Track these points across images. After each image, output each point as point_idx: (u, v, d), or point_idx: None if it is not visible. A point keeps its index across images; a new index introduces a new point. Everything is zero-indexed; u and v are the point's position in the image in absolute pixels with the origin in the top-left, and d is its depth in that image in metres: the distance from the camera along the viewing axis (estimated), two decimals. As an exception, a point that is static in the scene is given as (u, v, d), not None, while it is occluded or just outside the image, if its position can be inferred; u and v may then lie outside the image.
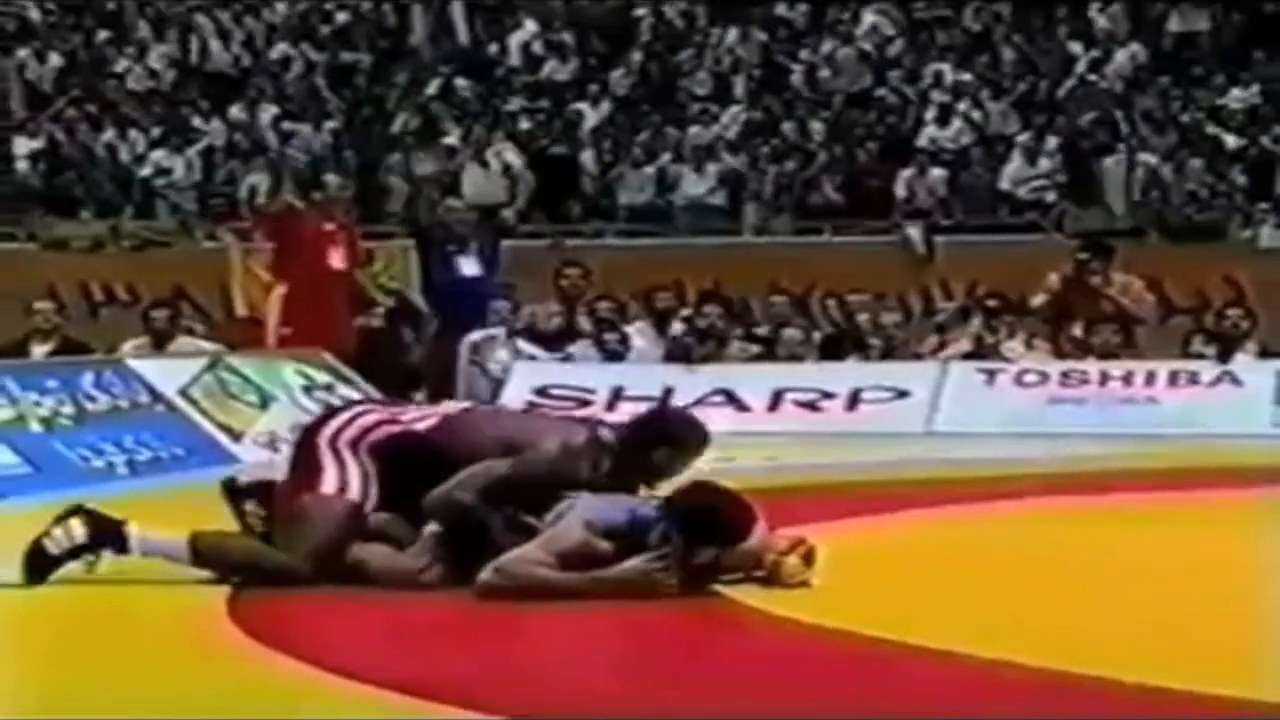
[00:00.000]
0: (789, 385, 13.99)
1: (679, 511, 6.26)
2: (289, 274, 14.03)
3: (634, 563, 6.19)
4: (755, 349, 14.95)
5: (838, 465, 11.33)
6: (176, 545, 6.52)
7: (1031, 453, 11.88)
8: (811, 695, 5.04)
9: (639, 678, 5.42)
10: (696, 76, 21.95)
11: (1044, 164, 19.63)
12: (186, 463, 11.23)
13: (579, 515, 6.30)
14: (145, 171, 21.04)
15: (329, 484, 6.49)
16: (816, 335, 15.38)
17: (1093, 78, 21.03)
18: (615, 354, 14.78)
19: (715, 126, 20.92)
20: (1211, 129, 19.90)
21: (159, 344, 14.12)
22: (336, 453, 6.53)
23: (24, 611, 6.26)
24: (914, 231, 18.67)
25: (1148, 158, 19.29)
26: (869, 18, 22.02)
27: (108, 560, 6.45)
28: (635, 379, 14.18)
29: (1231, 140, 19.69)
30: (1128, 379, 13.73)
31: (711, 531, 6.28)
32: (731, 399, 13.87)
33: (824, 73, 21.62)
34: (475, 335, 14.65)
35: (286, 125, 21.64)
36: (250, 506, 6.74)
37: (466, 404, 7.39)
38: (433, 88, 22.15)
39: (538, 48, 22.61)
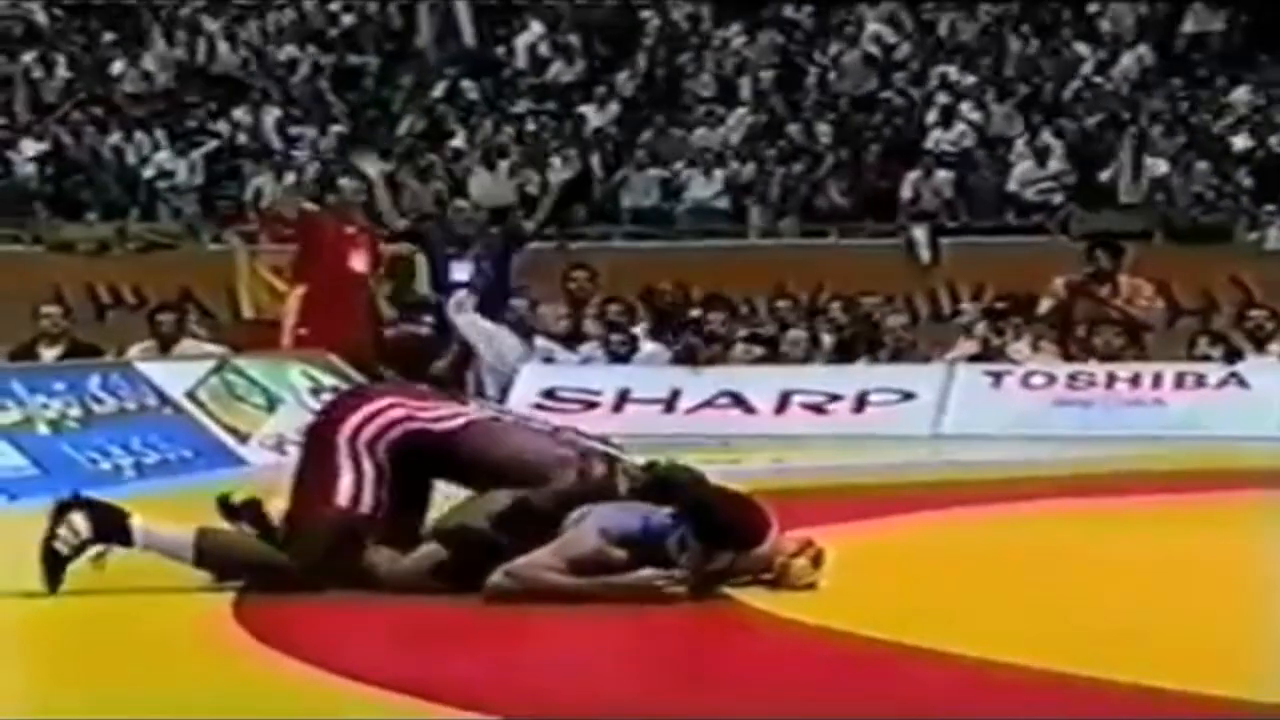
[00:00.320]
0: (796, 387, 13.99)
1: (695, 518, 6.25)
2: (309, 276, 14.15)
3: (646, 573, 6.19)
4: (759, 351, 14.94)
5: (844, 467, 11.32)
6: (181, 541, 6.50)
7: (1038, 455, 11.87)
8: (818, 697, 5.04)
9: (645, 680, 5.42)
10: (702, 79, 21.96)
11: (1053, 165, 19.64)
12: (194, 465, 11.24)
13: (594, 523, 6.30)
14: (148, 174, 21.05)
15: (343, 494, 6.44)
16: (826, 339, 15.36)
17: (1099, 80, 21.03)
18: (622, 356, 14.79)
19: (721, 129, 20.92)
20: (1218, 131, 19.91)
21: (166, 347, 14.13)
22: (355, 454, 6.48)
23: (31, 614, 6.27)
24: (919, 234, 18.67)
25: (1155, 160, 19.27)
26: (873, 26, 22.00)
27: (115, 554, 6.44)
28: (642, 381, 14.19)
29: (1238, 142, 19.69)
30: (1134, 381, 13.71)
31: (728, 537, 6.27)
32: (738, 401, 13.87)
33: (830, 75, 21.63)
34: (455, 299, 14.67)
35: (292, 129, 21.66)
36: (245, 528, 6.69)
37: (494, 411, 7.30)
38: (439, 90, 22.16)
39: (544, 50, 22.62)
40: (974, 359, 14.42)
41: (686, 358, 14.64)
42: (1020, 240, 18.62)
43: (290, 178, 20.27)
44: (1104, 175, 19.29)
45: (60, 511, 6.48)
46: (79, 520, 6.42)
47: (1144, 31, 21.61)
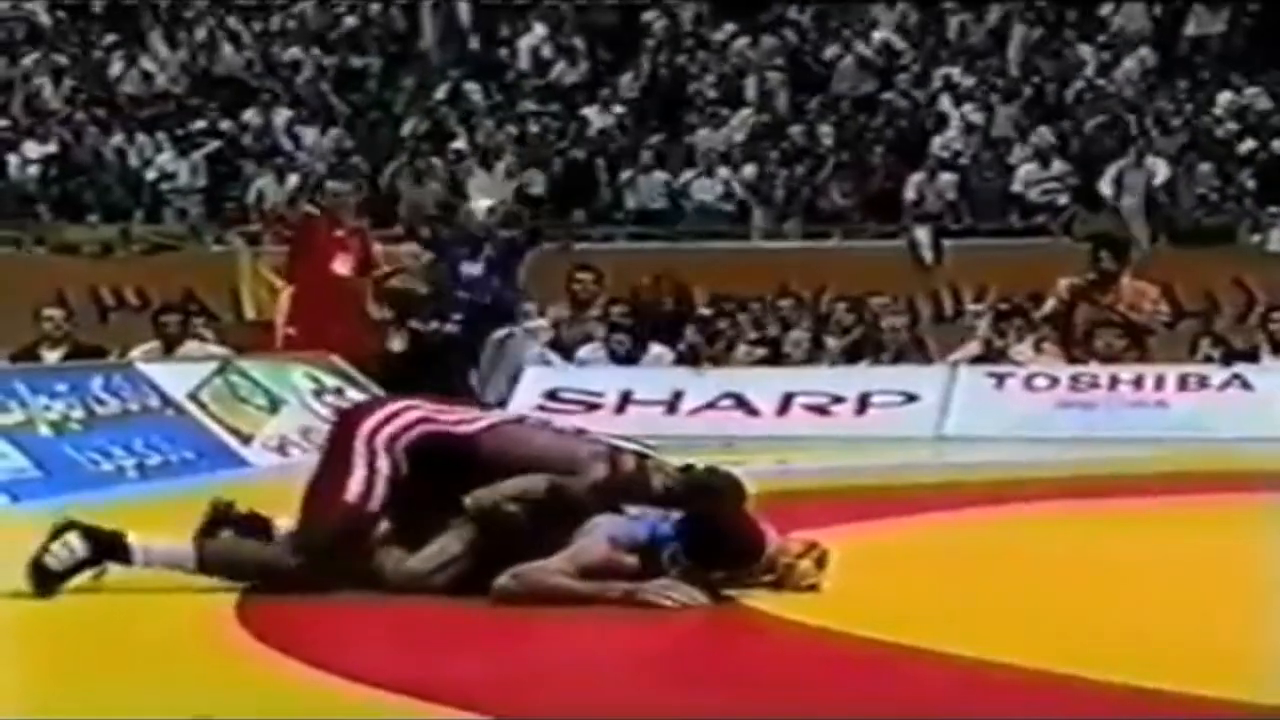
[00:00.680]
0: (798, 389, 13.99)
1: (690, 535, 6.25)
2: (297, 277, 14.42)
3: (655, 584, 6.18)
4: (761, 352, 14.94)
5: (847, 469, 11.32)
6: (182, 553, 6.49)
7: (1041, 457, 11.87)
8: (820, 697, 5.04)
9: (648, 681, 5.42)
10: (705, 80, 21.97)
11: (1056, 167, 19.64)
12: (196, 466, 11.24)
13: (604, 531, 6.30)
14: (151, 176, 21.06)
15: (353, 490, 6.42)
16: (830, 340, 15.36)
17: (1102, 82, 21.04)
18: (625, 358, 14.79)
19: (724, 130, 20.93)
20: (1220, 132, 19.91)
21: (170, 349, 14.14)
22: (370, 452, 6.46)
23: (31, 614, 6.27)
24: (922, 235, 18.67)
25: (1157, 161, 19.27)
26: (878, 34, 22.00)
27: (113, 571, 6.44)
28: (644, 383, 14.19)
29: (1241, 144, 19.69)
30: (1137, 383, 13.70)
31: (719, 557, 6.26)
32: (741, 402, 13.87)
33: (834, 76, 21.64)
34: (499, 332, 14.67)
35: (298, 130, 21.68)
36: (226, 534, 6.66)
37: (517, 414, 7.29)
38: (441, 92, 22.17)
39: (547, 51, 22.63)
40: (977, 361, 14.42)
41: (689, 359, 14.64)
42: (1023, 242, 18.61)
43: (293, 179, 20.28)
44: (1103, 187, 19.24)
45: (56, 533, 6.45)
46: (75, 540, 6.40)
47: (1147, 33, 21.63)
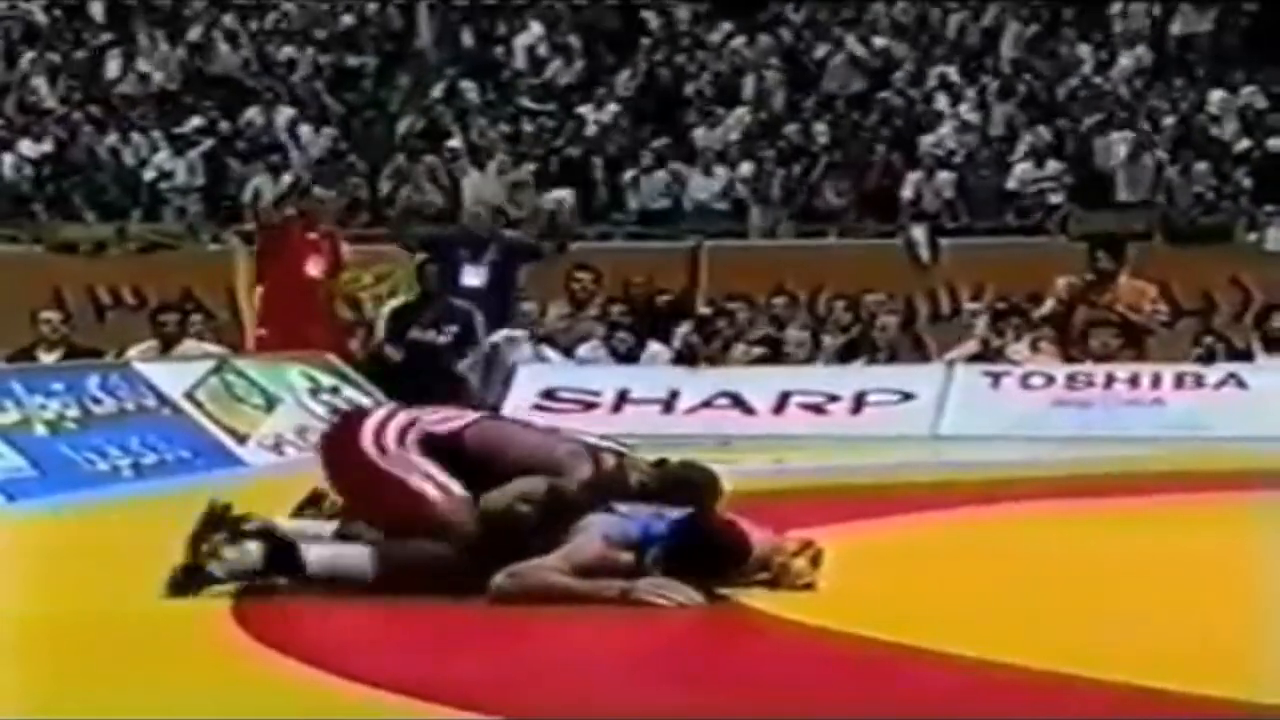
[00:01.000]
0: (795, 388, 13.99)
1: (679, 537, 6.24)
2: (267, 278, 14.67)
3: (649, 581, 6.18)
4: (759, 351, 14.93)
5: (843, 468, 11.33)
6: (355, 560, 6.35)
7: (1037, 456, 11.88)
8: (816, 697, 5.04)
9: (646, 681, 5.42)
10: (702, 78, 21.96)
11: (1051, 166, 19.64)
12: (192, 465, 11.25)
13: (599, 529, 6.30)
14: (149, 175, 21.04)
15: (431, 494, 6.36)
16: (826, 339, 15.36)
17: (1098, 80, 21.04)
18: (624, 356, 14.79)
19: (720, 129, 20.92)
20: (1216, 131, 19.91)
21: (167, 348, 14.14)
22: (401, 457, 6.41)
23: (29, 614, 6.27)
24: (919, 234, 18.67)
25: (1155, 157, 19.26)
26: (879, 39, 22.01)
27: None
28: (641, 382, 14.20)
29: (1238, 142, 19.69)
30: (1133, 381, 13.72)
31: (696, 568, 6.24)
32: (737, 401, 13.88)
33: (824, 75, 21.64)
34: (497, 335, 14.67)
35: (298, 129, 21.66)
36: (220, 537, 6.48)
37: (491, 412, 7.28)
38: (437, 90, 22.16)
39: (543, 50, 22.62)
40: (973, 360, 14.42)
41: (686, 358, 14.64)
42: (1020, 241, 18.61)
43: (288, 178, 20.27)
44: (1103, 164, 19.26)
45: (233, 533, 6.34)
46: (253, 548, 6.28)
47: (1143, 31, 21.63)
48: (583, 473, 6.47)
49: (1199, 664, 5.30)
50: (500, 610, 6.08)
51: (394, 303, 15.86)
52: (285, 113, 21.83)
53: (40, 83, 22.69)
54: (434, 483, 6.40)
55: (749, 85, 21.71)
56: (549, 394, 14.04)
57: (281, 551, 6.31)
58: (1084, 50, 21.48)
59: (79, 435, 10.85)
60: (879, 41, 21.97)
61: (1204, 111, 20.26)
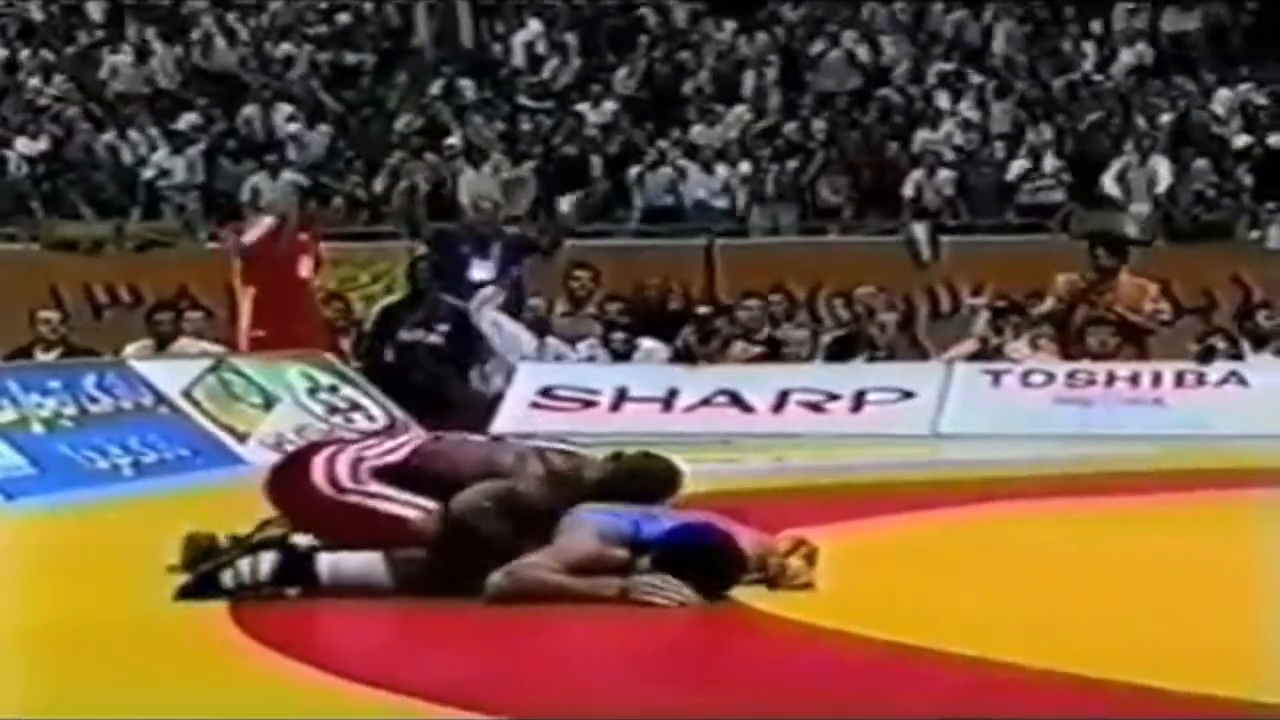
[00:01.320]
0: (794, 386, 13.99)
1: (669, 552, 6.24)
2: (255, 279, 14.56)
3: (648, 581, 6.19)
4: (757, 349, 14.91)
5: (842, 467, 11.34)
6: (373, 569, 6.35)
7: (1038, 454, 11.88)
8: (815, 697, 5.04)
9: (645, 681, 5.43)
10: (701, 76, 21.97)
11: (1050, 164, 19.65)
12: (192, 464, 11.26)
13: (590, 526, 6.30)
14: (148, 174, 21.04)
15: (411, 515, 6.38)
16: (825, 338, 15.36)
17: (1098, 77, 21.05)
18: (622, 354, 14.79)
19: (720, 127, 20.93)
20: (1217, 128, 19.91)
21: (163, 346, 14.13)
22: (360, 492, 6.44)
23: (26, 614, 6.27)
24: (919, 231, 18.68)
25: (1160, 160, 19.22)
26: (885, 39, 22.03)
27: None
28: (639, 380, 14.19)
29: (1238, 140, 19.70)
30: (1134, 380, 13.71)
31: (689, 576, 6.24)
32: (736, 400, 13.87)
33: (820, 72, 21.65)
34: (482, 294, 14.67)
35: (295, 127, 21.67)
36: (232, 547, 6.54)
37: (432, 434, 7.27)
38: (435, 88, 22.17)
39: (541, 48, 22.63)
40: (973, 358, 14.42)
41: (684, 356, 14.64)
42: (1020, 239, 18.61)
43: (286, 176, 20.27)
44: (1106, 183, 19.20)
45: (254, 545, 6.36)
46: (265, 561, 6.28)
47: (1142, 29, 21.66)
48: (535, 470, 6.50)
49: (1200, 663, 5.31)
50: (500, 610, 6.08)
51: (384, 302, 15.87)
52: (284, 110, 21.84)
53: (36, 80, 22.69)
54: (407, 505, 6.41)
55: (748, 82, 21.72)
56: (547, 392, 14.03)
57: (295, 562, 6.31)
58: (1085, 47, 21.49)
59: (77, 434, 10.86)
60: (873, 38, 21.99)
61: (1205, 108, 20.26)
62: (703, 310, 15.54)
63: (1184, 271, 17.32)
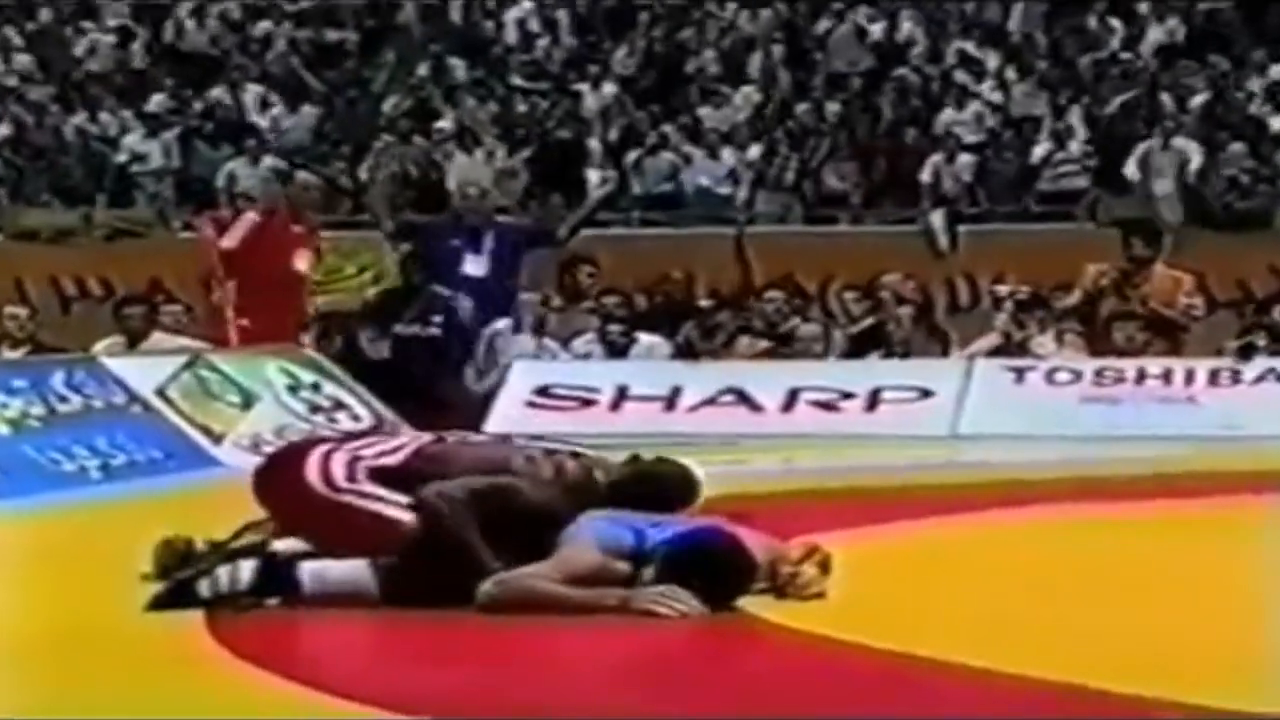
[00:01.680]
0: (805, 384, 13.95)
1: (675, 558, 6.23)
2: (238, 270, 14.60)
3: (650, 591, 6.19)
4: (763, 344, 14.87)
5: (856, 469, 11.34)
6: (360, 578, 6.35)
7: (1063, 456, 11.88)
8: (825, 710, 5.05)
9: (645, 693, 5.42)
10: (704, 55, 21.96)
11: (1074, 148, 19.63)
12: (164, 466, 11.24)
13: (591, 537, 6.30)
14: (121, 158, 21.02)
15: (401, 517, 6.39)
16: (838, 334, 15.34)
17: (1126, 56, 21.03)
18: (619, 349, 14.78)
19: (726, 109, 20.93)
20: (1254, 110, 19.89)
21: (134, 342, 14.11)
22: (351, 490, 6.46)
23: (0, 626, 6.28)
24: (937, 220, 18.67)
25: (1189, 144, 19.20)
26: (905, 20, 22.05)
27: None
28: (641, 378, 14.16)
29: (1276, 122, 19.67)
30: (1166, 377, 13.68)
31: (695, 584, 6.24)
32: (743, 398, 13.84)
33: (837, 51, 21.66)
34: (495, 325, 14.67)
35: (273, 110, 21.67)
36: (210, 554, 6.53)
37: (433, 435, 7.28)
38: (424, 68, 22.16)
39: (535, 25, 22.63)
40: (995, 353, 14.40)
41: (687, 352, 14.63)
42: (1044, 227, 18.59)
43: (266, 162, 20.26)
44: (1129, 170, 19.19)
45: (232, 553, 6.36)
46: (245, 570, 6.27)
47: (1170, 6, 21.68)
48: (544, 472, 6.50)
49: (1233, 676, 5.30)
50: (488, 621, 6.06)
51: (370, 294, 15.86)
52: (254, 91, 21.82)
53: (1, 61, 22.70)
54: (403, 508, 6.41)
55: (755, 62, 21.72)
56: (543, 391, 14.02)
57: (277, 570, 6.30)
58: (1113, 22, 21.49)
59: (43, 435, 10.85)
60: (889, 18, 22.00)
61: (1241, 88, 20.24)
62: (705, 303, 15.53)
63: (1217, 262, 17.26)
